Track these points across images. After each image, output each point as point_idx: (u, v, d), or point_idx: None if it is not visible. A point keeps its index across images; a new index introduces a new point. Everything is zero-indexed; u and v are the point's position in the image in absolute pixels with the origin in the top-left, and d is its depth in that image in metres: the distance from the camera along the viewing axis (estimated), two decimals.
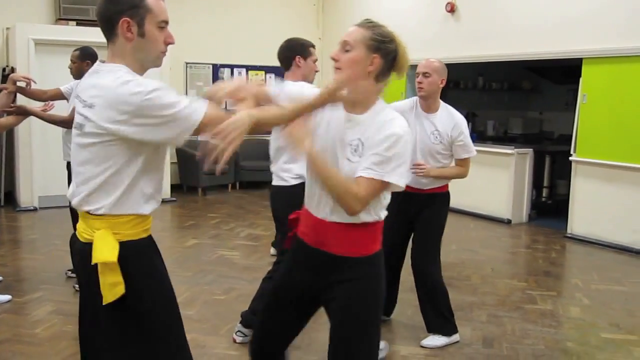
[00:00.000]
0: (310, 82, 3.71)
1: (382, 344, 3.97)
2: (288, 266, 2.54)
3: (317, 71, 3.83)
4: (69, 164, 5.14)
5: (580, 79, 7.31)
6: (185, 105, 1.99)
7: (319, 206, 2.35)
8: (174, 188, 9.61)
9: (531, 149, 8.38)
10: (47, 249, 6.37)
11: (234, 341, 4.06)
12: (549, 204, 8.86)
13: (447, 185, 4.10)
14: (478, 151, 8.28)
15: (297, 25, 10.93)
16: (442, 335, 4.12)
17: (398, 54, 2.30)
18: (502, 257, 6.76)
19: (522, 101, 11.40)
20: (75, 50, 5.18)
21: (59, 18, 8.97)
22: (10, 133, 8.41)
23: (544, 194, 8.88)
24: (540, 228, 8.02)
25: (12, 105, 4.70)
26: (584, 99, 7.27)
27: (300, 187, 2.81)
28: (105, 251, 2.03)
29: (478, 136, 9.60)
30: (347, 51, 2.28)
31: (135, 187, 2.09)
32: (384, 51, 2.27)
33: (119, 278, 2.03)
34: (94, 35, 8.55)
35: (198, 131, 1.99)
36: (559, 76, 10.35)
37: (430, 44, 9.05)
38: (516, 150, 8.22)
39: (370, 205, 2.27)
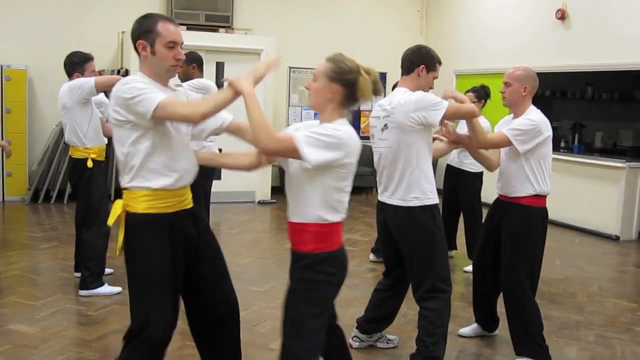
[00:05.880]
0: None
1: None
2: None
3: (431, 88, 3.69)
4: None
5: None
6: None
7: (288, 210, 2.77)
8: (274, 190, 9.77)
9: None
10: None
11: (350, 346, 4.03)
12: None
13: (538, 200, 3.82)
14: (585, 163, 8.18)
15: (400, 31, 10.90)
16: (531, 359, 3.83)
17: (358, 84, 2.64)
18: (609, 274, 6.46)
19: (634, 112, 10.84)
20: None
21: None
22: None
23: None
24: None
25: None
26: None
27: None
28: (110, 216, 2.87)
29: (585, 148, 9.22)
30: (315, 81, 2.68)
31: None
32: (343, 82, 2.64)
33: (121, 238, 2.85)
34: (203, 40, 8.97)
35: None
36: None
37: (537, 52, 8.82)
38: (627, 164, 7.84)
39: (312, 201, 2.61)
